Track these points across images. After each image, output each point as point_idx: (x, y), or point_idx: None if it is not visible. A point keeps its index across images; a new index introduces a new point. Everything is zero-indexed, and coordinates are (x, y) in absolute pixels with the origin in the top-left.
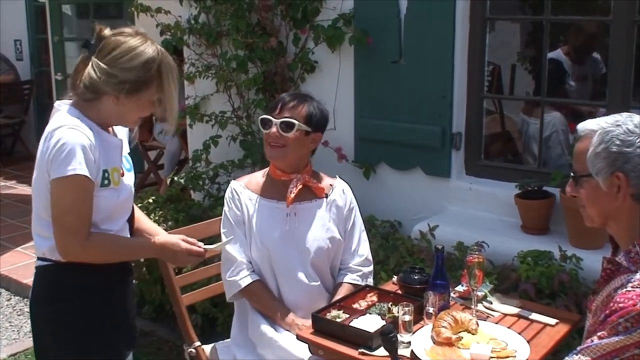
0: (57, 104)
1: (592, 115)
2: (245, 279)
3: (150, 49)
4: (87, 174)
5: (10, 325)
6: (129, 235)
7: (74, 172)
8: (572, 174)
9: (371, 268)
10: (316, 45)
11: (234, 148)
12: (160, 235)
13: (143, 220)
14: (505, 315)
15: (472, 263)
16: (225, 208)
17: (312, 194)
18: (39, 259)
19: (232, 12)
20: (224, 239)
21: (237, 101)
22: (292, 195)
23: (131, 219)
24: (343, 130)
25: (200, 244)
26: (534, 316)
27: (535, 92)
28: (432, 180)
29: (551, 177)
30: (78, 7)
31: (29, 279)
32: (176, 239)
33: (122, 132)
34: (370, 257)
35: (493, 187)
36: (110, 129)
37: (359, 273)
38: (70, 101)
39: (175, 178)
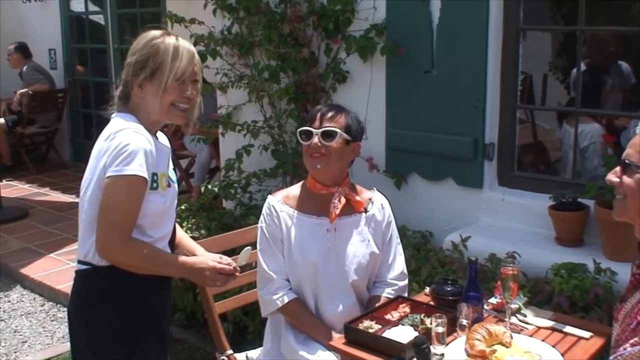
0: (113, 114)
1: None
2: (282, 297)
3: (157, 32)
4: (147, 176)
5: (44, 331)
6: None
7: (134, 172)
8: (625, 160)
9: (406, 282)
10: (348, 55)
11: (265, 157)
12: (198, 252)
13: (185, 240)
14: (539, 328)
15: (507, 275)
16: (262, 224)
17: (351, 208)
18: (79, 262)
19: (265, 23)
20: (260, 255)
21: (268, 111)
22: (337, 211)
23: (172, 239)
24: (374, 140)
25: (233, 263)
26: (568, 329)
27: (570, 102)
28: (464, 191)
29: (585, 189)
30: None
31: (62, 285)
32: (206, 258)
33: (167, 144)
34: (406, 271)
35: (526, 198)
36: (157, 135)
37: (395, 287)
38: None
39: (209, 186)
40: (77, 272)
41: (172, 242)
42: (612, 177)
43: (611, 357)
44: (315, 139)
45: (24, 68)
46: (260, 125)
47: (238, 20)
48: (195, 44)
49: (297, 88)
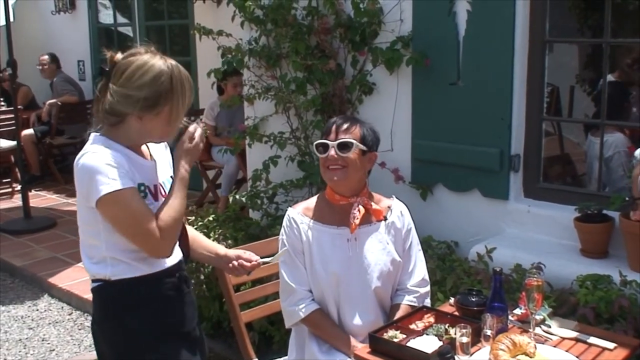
0: (91, 135)
1: None
2: (305, 309)
3: (159, 63)
4: (121, 186)
5: (72, 339)
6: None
7: (111, 188)
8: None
9: (428, 289)
10: (374, 67)
11: (291, 168)
12: (219, 251)
13: (201, 239)
14: (564, 338)
15: (531, 286)
16: (283, 237)
17: (370, 217)
18: (92, 281)
19: (292, 35)
20: (282, 267)
21: (295, 122)
22: (357, 222)
23: (184, 240)
24: (400, 151)
25: (257, 257)
26: (592, 340)
27: (596, 114)
28: (489, 202)
29: (610, 201)
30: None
31: (89, 294)
32: (233, 255)
33: (162, 155)
34: (427, 278)
35: (552, 210)
36: (144, 150)
37: (416, 294)
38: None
39: (237, 197)
40: (92, 290)
41: (186, 248)
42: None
43: None
44: (332, 152)
45: (55, 79)
46: (286, 136)
47: (265, 32)
48: (222, 56)
49: (323, 100)
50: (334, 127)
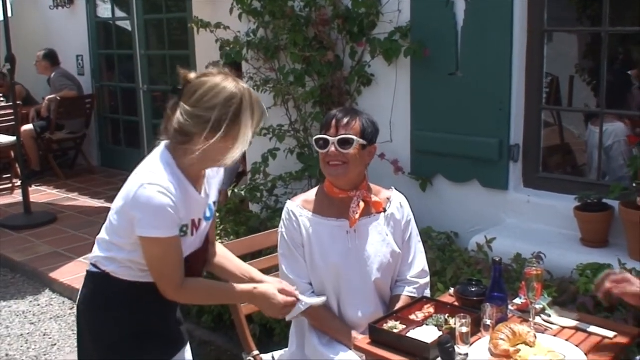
0: (161, 145)
1: None
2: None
3: (231, 85)
4: (172, 234)
5: (73, 334)
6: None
7: (160, 234)
8: None
9: (428, 280)
10: (373, 58)
11: (291, 161)
12: (254, 275)
13: (234, 261)
14: (564, 328)
15: (531, 275)
16: (282, 230)
17: (370, 208)
18: (91, 264)
19: (290, 27)
20: (281, 260)
21: (294, 114)
22: (356, 216)
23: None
24: (399, 142)
25: (297, 294)
26: (592, 329)
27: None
28: (489, 193)
29: (610, 190)
30: (145, 23)
31: None
32: (274, 289)
33: (214, 180)
34: (427, 269)
35: (551, 199)
36: (201, 179)
37: (416, 285)
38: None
39: (236, 190)
40: (88, 272)
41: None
42: None
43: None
44: (332, 148)
45: (52, 75)
46: (285, 129)
47: (263, 25)
48: (221, 49)
49: (322, 91)
50: (333, 122)
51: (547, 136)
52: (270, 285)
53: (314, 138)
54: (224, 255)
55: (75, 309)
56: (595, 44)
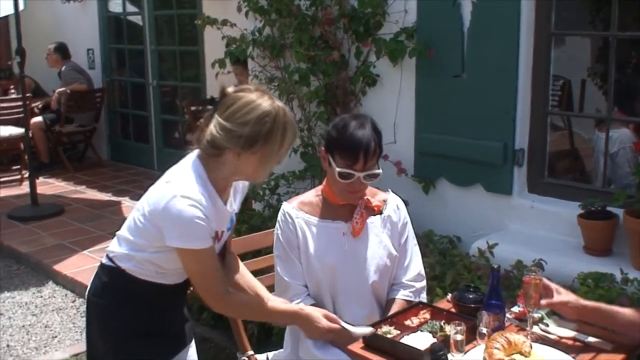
0: (194, 153)
1: None
2: (299, 304)
3: (266, 103)
4: (206, 246)
5: (74, 326)
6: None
7: (194, 246)
8: None
9: (424, 283)
10: (378, 58)
11: (294, 159)
12: (260, 291)
13: (245, 275)
14: (562, 338)
15: (529, 284)
16: (278, 231)
17: (367, 210)
18: (107, 257)
19: (296, 26)
20: (277, 262)
21: (298, 113)
22: (359, 226)
23: None
24: (403, 144)
25: (342, 322)
26: (591, 340)
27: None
28: (492, 197)
29: (614, 198)
30: (156, 18)
31: None
32: (319, 314)
33: (239, 191)
34: (423, 273)
35: (556, 205)
36: (228, 190)
37: (412, 289)
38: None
39: None
40: (102, 263)
41: None
42: None
43: None
44: (359, 181)
45: (63, 68)
46: None
47: (269, 23)
48: (227, 46)
49: (326, 91)
50: (361, 155)
51: (556, 141)
52: (316, 309)
53: (339, 170)
54: (241, 270)
55: (85, 299)
56: (607, 48)
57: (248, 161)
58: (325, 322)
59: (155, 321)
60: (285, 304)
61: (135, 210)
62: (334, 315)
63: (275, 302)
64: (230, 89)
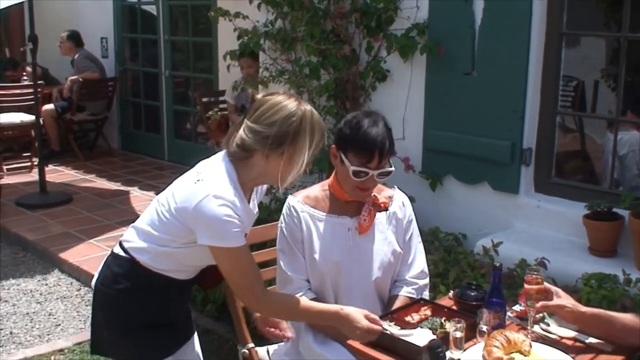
0: (223, 154)
1: None
2: (337, 305)
3: (293, 104)
4: (240, 244)
5: (78, 315)
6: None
7: (228, 244)
8: None
9: (427, 281)
10: (388, 54)
11: None
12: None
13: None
14: (562, 338)
15: (530, 283)
16: (282, 224)
17: (374, 207)
18: (121, 247)
19: (308, 19)
20: (280, 255)
21: None
22: (367, 224)
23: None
24: (411, 140)
25: (382, 322)
26: (591, 341)
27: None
28: (499, 196)
29: (621, 199)
30: (170, 8)
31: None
32: (360, 314)
33: (258, 194)
34: (427, 270)
35: (562, 206)
36: (251, 192)
37: (415, 286)
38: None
39: None
40: (113, 252)
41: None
42: None
43: None
44: (372, 179)
45: (76, 56)
46: None
47: (282, 15)
48: (239, 38)
49: (336, 85)
50: (377, 153)
51: (567, 141)
52: (356, 309)
53: (354, 169)
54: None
55: (92, 288)
56: (620, 50)
57: (276, 163)
58: (365, 323)
59: (163, 313)
60: (322, 304)
61: (158, 204)
62: (374, 316)
63: (310, 301)
64: (259, 95)
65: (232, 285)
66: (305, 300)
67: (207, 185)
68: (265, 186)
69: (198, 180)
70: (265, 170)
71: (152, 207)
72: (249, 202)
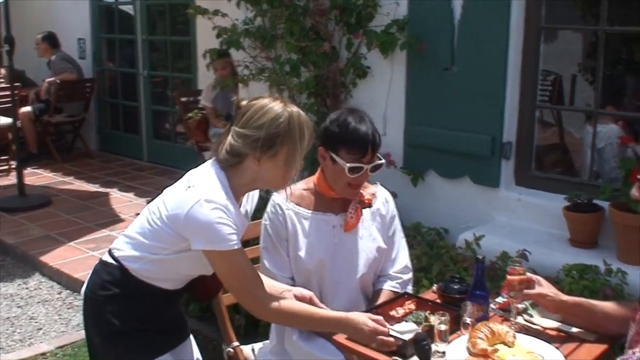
0: (212, 161)
1: None
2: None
3: (278, 106)
4: (236, 247)
5: (60, 318)
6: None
7: (222, 248)
8: None
9: (410, 275)
10: (369, 50)
11: None
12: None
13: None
14: (545, 329)
15: (513, 275)
16: (266, 222)
17: (360, 204)
18: (110, 255)
19: (287, 16)
20: (263, 253)
21: None
22: (353, 221)
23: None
24: (392, 136)
25: (386, 324)
26: (574, 331)
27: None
28: (480, 190)
29: (600, 191)
30: (148, 8)
31: (80, 274)
32: (364, 317)
33: (249, 202)
34: (410, 265)
35: (542, 198)
36: (241, 199)
37: (399, 280)
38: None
39: None
40: (102, 260)
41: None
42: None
43: (620, 358)
44: (365, 174)
45: (53, 57)
46: None
47: (261, 13)
48: (218, 36)
49: (317, 82)
50: (370, 147)
51: (546, 135)
52: (358, 313)
53: (350, 166)
54: None
55: (82, 295)
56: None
57: (268, 166)
58: (371, 324)
59: (151, 319)
60: (327, 310)
61: (149, 213)
62: (376, 317)
63: (313, 307)
64: (244, 102)
65: (230, 290)
66: (307, 306)
67: (199, 191)
68: (257, 194)
69: (189, 187)
70: (258, 174)
71: (142, 215)
72: (241, 208)
